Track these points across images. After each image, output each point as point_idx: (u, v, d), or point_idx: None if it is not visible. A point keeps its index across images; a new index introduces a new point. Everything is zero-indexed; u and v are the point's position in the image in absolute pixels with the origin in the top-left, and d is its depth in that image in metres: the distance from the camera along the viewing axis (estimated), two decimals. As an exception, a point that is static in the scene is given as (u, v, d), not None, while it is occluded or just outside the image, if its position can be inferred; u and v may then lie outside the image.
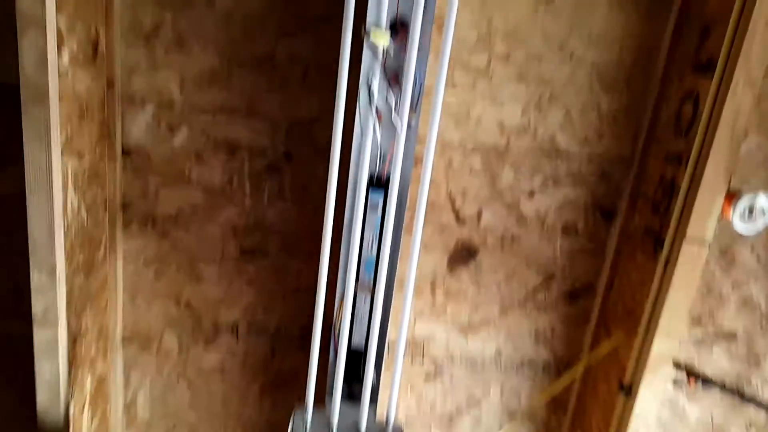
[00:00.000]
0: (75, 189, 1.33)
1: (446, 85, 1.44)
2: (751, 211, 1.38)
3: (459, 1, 1.22)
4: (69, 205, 1.30)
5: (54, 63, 1.18)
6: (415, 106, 1.21)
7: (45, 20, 1.14)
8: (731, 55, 1.25)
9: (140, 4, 1.41)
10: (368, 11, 1.16)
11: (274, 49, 1.44)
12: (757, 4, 1.20)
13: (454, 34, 1.39)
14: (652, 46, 1.45)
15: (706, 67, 1.32)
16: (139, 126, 1.49)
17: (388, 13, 1.16)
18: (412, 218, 1.24)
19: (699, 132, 1.31)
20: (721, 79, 1.27)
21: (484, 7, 1.42)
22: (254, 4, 1.41)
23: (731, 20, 1.24)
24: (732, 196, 1.37)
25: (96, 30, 1.37)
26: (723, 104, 1.27)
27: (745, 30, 1.22)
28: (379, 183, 1.25)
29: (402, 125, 1.19)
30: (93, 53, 1.37)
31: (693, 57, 1.38)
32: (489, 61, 1.46)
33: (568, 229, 1.60)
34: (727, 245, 1.57)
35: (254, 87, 1.47)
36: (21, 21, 1.14)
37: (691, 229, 1.35)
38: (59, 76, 1.20)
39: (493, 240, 1.60)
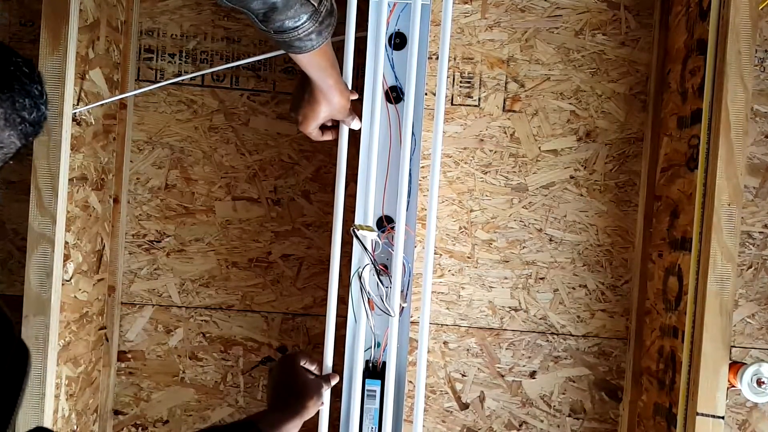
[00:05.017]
0: (67, 397, 1.32)
1: (434, 271, 1.50)
2: (759, 381, 1.36)
3: (438, 198, 1.33)
4: (60, 412, 1.28)
5: (59, 276, 1.22)
6: (405, 293, 1.26)
7: (54, 238, 1.20)
8: (704, 231, 1.31)
9: (144, 218, 1.52)
10: (356, 210, 1.27)
11: (269, 251, 1.53)
12: (717, 185, 1.30)
13: (437, 226, 1.49)
14: (626, 228, 1.54)
15: (683, 243, 1.38)
16: (136, 329, 1.52)
17: (374, 211, 1.27)
18: (412, 407, 1.21)
19: (689, 305, 1.33)
20: (699, 253, 1.32)
21: (463, 202, 1.53)
22: (251, 213, 1.53)
23: (697, 201, 1.33)
24: (737, 368, 1.35)
25: (102, 241, 1.46)
26: (706, 277, 1.31)
27: (712, 208, 1.30)
28: (375, 371, 1.25)
29: (394, 312, 1.22)
30: (97, 263, 1.44)
31: (668, 234, 1.45)
32: (473, 247, 1.53)
33: (576, 411, 1.55)
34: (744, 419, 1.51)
35: (250, 285, 1.53)
36: (31, 237, 1.20)
37: (701, 406, 1.31)
38: (62, 285, 1.24)
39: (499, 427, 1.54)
